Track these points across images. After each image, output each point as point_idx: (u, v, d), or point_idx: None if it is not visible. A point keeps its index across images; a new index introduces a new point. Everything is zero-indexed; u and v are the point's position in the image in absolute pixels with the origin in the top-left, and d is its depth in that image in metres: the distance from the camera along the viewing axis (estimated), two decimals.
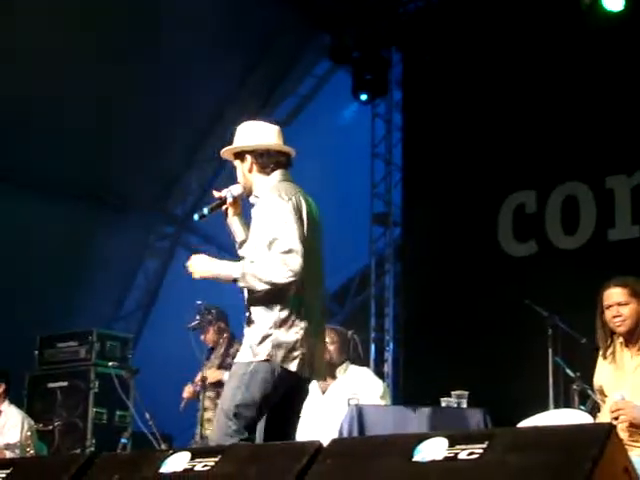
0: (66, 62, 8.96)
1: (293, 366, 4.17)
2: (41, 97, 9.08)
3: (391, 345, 9.56)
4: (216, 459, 3.30)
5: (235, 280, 4.19)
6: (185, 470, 3.30)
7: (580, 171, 8.42)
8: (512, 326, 8.05)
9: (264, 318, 4.22)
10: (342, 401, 5.44)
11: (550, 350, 6.16)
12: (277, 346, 4.16)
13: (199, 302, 6.51)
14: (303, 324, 4.20)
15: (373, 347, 9.55)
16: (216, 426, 4.29)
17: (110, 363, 7.57)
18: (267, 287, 4.13)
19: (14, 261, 9.55)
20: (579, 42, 8.35)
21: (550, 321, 6.20)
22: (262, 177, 4.36)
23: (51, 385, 8.07)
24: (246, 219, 4.44)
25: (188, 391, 6.88)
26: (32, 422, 6.72)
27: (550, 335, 6.20)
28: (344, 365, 5.86)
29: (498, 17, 8.82)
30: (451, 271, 8.87)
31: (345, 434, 4.79)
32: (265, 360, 4.16)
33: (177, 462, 3.34)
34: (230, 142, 4.51)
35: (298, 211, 4.23)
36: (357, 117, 10.51)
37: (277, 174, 4.36)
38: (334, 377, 5.83)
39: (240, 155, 4.42)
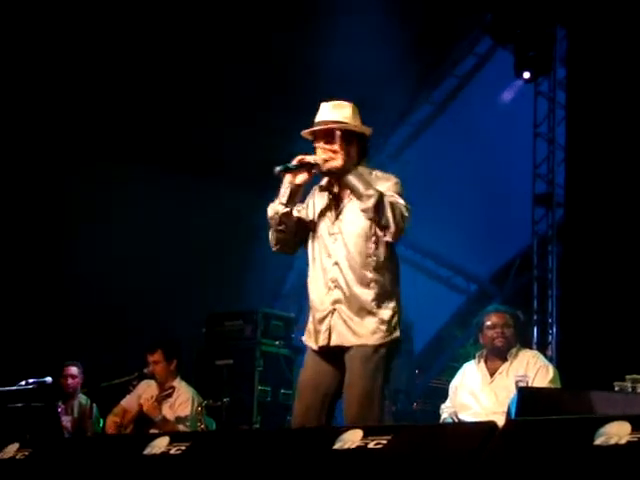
0: None
1: None
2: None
3: (554, 328, 9.39)
4: (389, 437, 3.32)
5: (369, 197, 4.24)
6: (358, 447, 3.32)
7: None
8: None
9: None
10: (511, 384, 5.40)
11: None
12: None
13: None
14: None
15: (535, 330, 9.40)
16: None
17: (277, 342, 7.71)
18: (393, 223, 4.24)
19: (189, 244, 9.85)
20: None
21: None
22: (353, 162, 4.43)
23: (218, 362, 8.26)
24: None
25: None
26: (201, 398, 6.90)
27: None
28: (515, 348, 5.80)
29: None
30: (616, 252, 8.62)
31: (513, 416, 4.73)
32: None
33: (350, 439, 3.37)
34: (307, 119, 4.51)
35: None
36: (519, 96, 10.34)
37: (364, 162, 4.49)
38: (504, 360, 5.78)
39: (348, 135, 4.43)
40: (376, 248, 4.39)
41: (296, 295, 11.66)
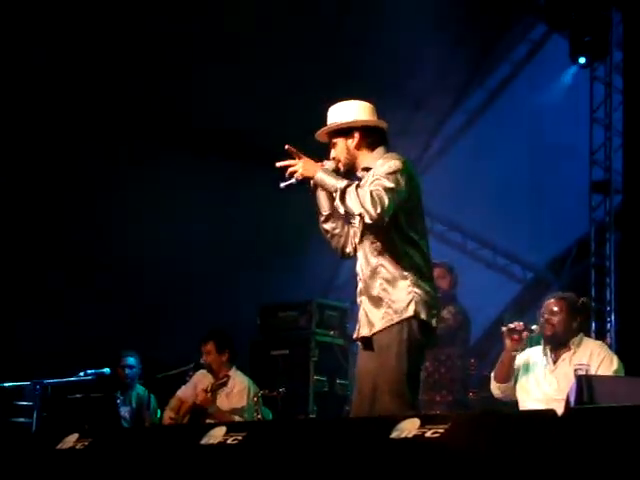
0: None
1: None
2: None
3: (612, 316, 9.26)
4: (446, 426, 3.29)
5: (335, 191, 4.33)
6: (415, 436, 3.30)
7: None
8: None
9: None
10: (572, 371, 5.35)
11: None
12: None
13: None
14: None
15: (593, 318, 9.28)
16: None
17: (331, 332, 7.70)
18: (361, 212, 4.25)
19: (240, 232, 9.89)
20: None
21: None
22: (368, 153, 4.54)
23: (273, 353, 8.29)
24: None
25: None
26: (257, 388, 6.92)
27: None
28: (578, 337, 5.73)
29: None
30: None
31: (572, 405, 4.68)
32: None
33: (407, 429, 3.35)
34: (320, 122, 4.58)
35: (409, 171, 4.41)
36: (574, 81, 10.22)
37: (381, 149, 4.54)
38: (565, 347, 5.71)
39: (344, 132, 4.55)
40: (377, 234, 4.42)
41: (351, 286, 11.66)
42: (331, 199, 4.57)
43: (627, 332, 8.98)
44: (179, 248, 9.67)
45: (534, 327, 5.69)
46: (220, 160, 9.87)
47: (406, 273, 4.39)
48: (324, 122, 4.65)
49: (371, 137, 4.55)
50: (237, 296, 9.81)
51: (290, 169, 4.45)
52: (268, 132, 9.36)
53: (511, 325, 5.68)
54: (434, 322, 4.42)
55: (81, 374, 6.80)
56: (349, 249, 4.67)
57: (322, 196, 4.63)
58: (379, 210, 4.25)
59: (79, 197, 9.54)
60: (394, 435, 3.33)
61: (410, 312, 4.34)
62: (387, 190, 4.27)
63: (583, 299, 5.90)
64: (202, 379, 7.02)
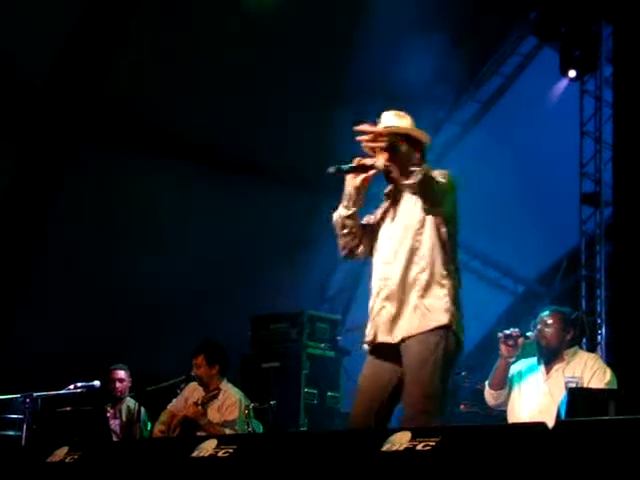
0: None
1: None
2: None
3: (603, 328, 9.28)
4: (437, 439, 3.29)
5: (412, 173, 4.23)
6: (407, 449, 3.30)
7: None
8: None
9: None
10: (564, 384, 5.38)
11: None
12: None
13: None
14: None
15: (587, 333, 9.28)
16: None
17: (322, 344, 7.71)
18: (441, 188, 4.33)
19: (231, 243, 9.90)
20: None
21: None
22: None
23: (264, 365, 8.28)
24: None
25: None
26: (248, 401, 6.90)
27: None
28: (573, 349, 5.75)
29: None
30: None
31: (563, 417, 4.69)
32: None
33: (398, 441, 3.35)
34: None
35: (456, 192, 4.55)
36: (565, 95, 10.25)
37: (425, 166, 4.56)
38: (559, 359, 5.73)
39: (413, 141, 4.53)
40: (422, 240, 4.45)
41: (342, 297, 11.66)
42: (359, 198, 4.52)
43: (618, 344, 8.98)
44: (175, 260, 9.67)
45: (529, 334, 5.70)
46: (219, 173, 9.89)
47: (445, 284, 4.43)
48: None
49: (424, 156, 4.60)
50: (228, 307, 9.80)
51: (373, 144, 4.31)
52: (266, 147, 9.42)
53: (507, 331, 5.68)
54: (462, 338, 4.43)
55: (71, 387, 6.78)
56: (360, 250, 4.62)
57: (360, 191, 4.53)
58: (439, 198, 4.37)
59: (77, 209, 9.57)
60: (385, 448, 3.33)
61: (446, 320, 4.36)
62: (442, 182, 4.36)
63: (578, 313, 5.94)
64: (193, 392, 7.00)
